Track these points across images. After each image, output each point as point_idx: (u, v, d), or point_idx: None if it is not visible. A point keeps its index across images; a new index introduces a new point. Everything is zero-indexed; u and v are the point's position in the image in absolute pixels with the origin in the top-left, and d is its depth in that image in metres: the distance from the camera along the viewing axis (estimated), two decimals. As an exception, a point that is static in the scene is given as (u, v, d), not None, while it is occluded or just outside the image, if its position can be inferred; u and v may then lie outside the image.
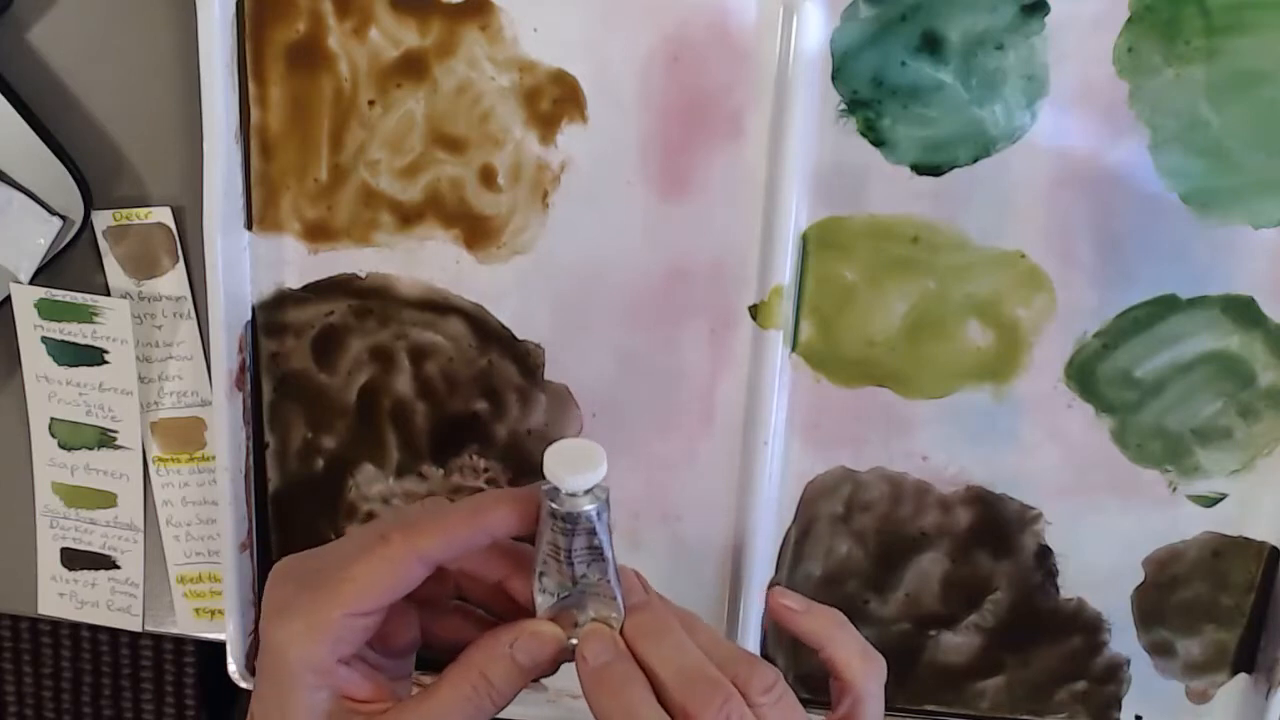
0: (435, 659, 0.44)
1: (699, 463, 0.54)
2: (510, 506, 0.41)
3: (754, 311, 0.51)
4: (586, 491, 0.40)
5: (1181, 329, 0.50)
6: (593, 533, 0.40)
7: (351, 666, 0.41)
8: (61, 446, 0.57)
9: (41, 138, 0.51)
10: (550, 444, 0.41)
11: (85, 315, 0.55)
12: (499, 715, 0.57)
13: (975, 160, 0.49)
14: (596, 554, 0.41)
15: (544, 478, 0.40)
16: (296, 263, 0.53)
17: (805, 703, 0.56)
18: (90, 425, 0.57)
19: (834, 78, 0.48)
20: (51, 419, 0.57)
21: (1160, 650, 0.55)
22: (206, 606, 0.59)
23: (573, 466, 0.40)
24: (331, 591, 0.40)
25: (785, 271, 0.50)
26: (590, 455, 0.40)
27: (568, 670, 0.58)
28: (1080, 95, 0.48)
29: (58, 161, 0.52)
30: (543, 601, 0.42)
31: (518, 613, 0.43)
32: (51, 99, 0.52)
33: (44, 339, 0.55)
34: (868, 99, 0.49)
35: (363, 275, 0.53)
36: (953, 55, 0.48)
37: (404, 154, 0.51)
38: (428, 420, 0.54)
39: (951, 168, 0.49)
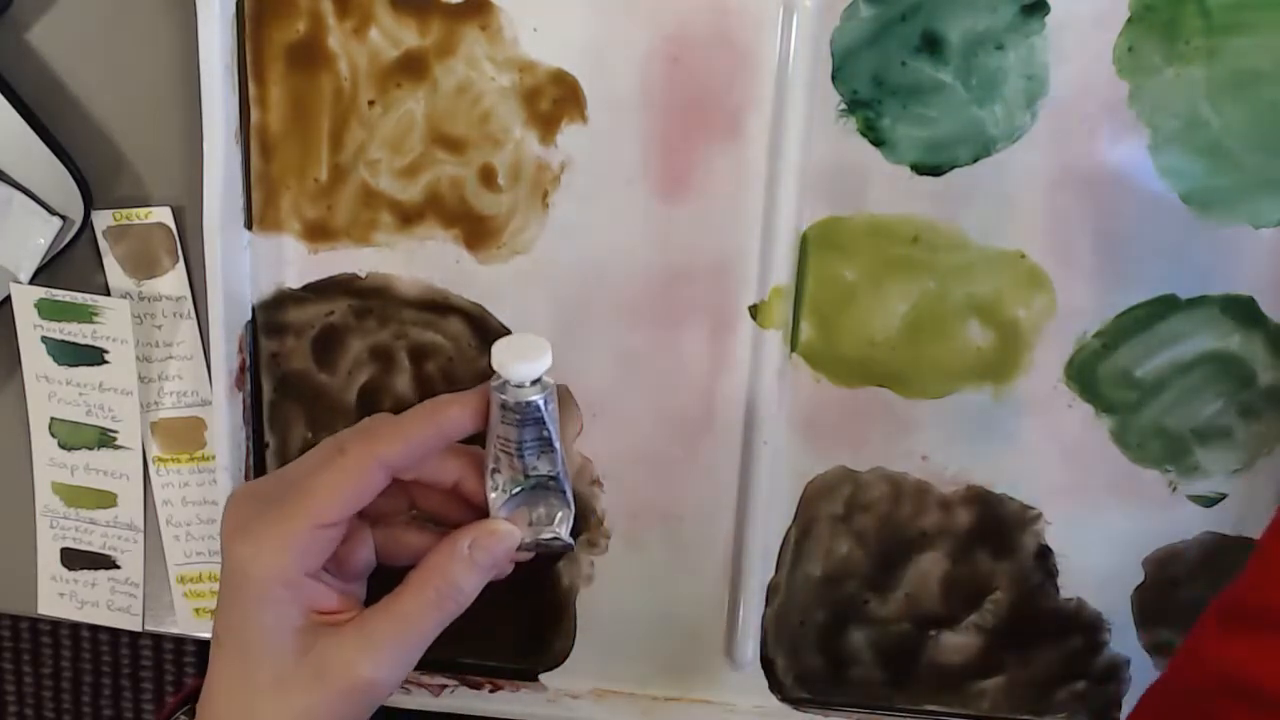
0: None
1: (699, 463, 0.54)
2: (462, 405, 0.42)
3: (754, 311, 0.51)
4: (534, 382, 0.41)
5: (1181, 329, 0.50)
6: (541, 423, 0.41)
7: (316, 579, 0.42)
8: (61, 446, 0.57)
9: (41, 138, 0.51)
10: (497, 339, 0.42)
11: (85, 315, 0.55)
12: (500, 717, 0.57)
13: (975, 160, 0.49)
14: (546, 444, 0.42)
15: (492, 372, 0.41)
16: (296, 263, 0.53)
17: (805, 702, 0.57)
18: (90, 425, 0.57)
19: (834, 78, 0.48)
20: (51, 419, 0.57)
21: (1160, 650, 0.55)
22: (206, 606, 0.59)
23: (519, 356, 0.41)
24: (296, 505, 0.41)
25: (785, 271, 0.50)
26: (536, 346, 0.41)
27: (567, 670, 0.58)
28: (1080, 95, 0.48)
29: (58, 161, 0.52)
30: (496, 499, 0.43)
31: (473, 519, 0.44)
32: (51, 99, 0.52)
33: (44, 339, 0.55)
34: (868, 99, 0.49)
35: (363, 275, 0.53)
36: (953, 55, 0.48)
37: (404, 154, 0.51)
38: (428, 420, 0.54)
39: (951, 168, 0.49)
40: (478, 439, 0.45)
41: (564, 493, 0.44)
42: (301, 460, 0.43)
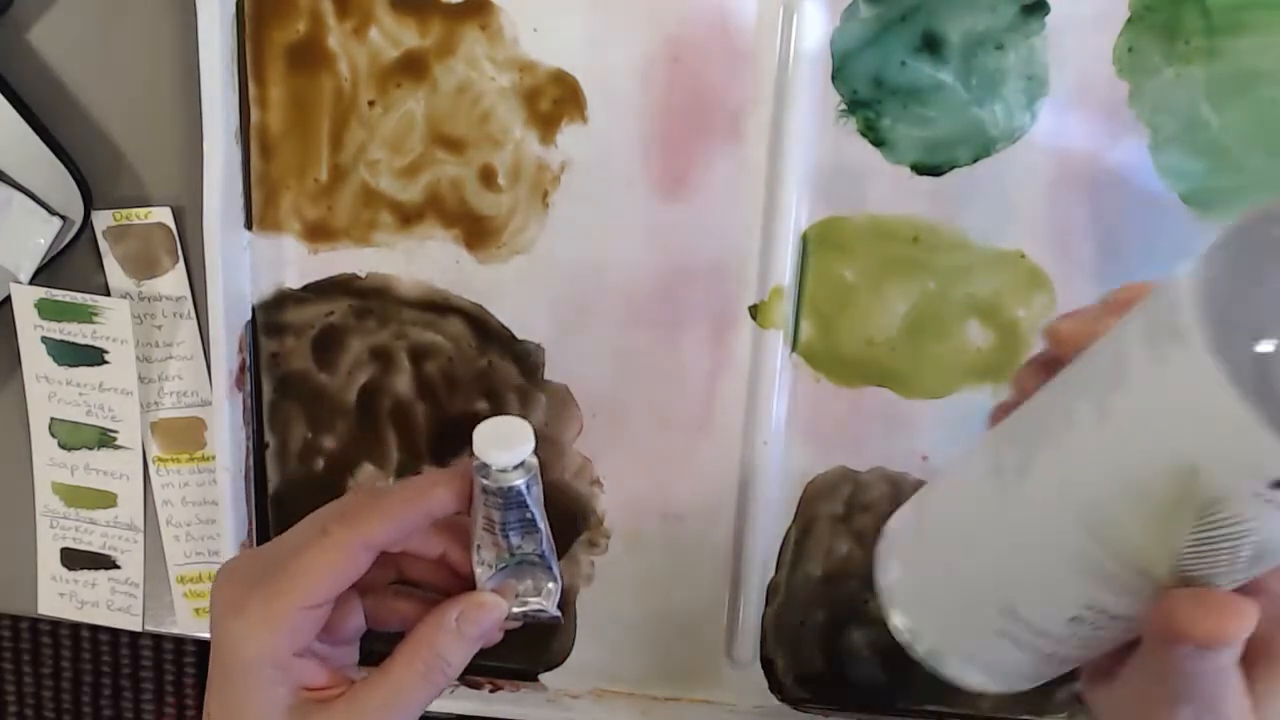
0: (378, 651, 0.44)
1: (699, 463, 0.54)
2: (446, 486, 0.43)
3: (754, 311, 0.51)
4: (516, 466, 0.41)
5: (1181, 329, 0.50)
6: (524, 505, 0.42)
7: (305, 657, 0.42)
8: (61, 446, 0.57)
9: (41, 138, 0.51)
10: (480, 422, 0.42)
11: (85, 315, 0.55)
12: (500, 717, 0.57)
13: (975, 160, 0.49)
14: (529, 525, 0.42)
15: (473, 455, 0.42)
16: (296, 263, 0.53)
17: (805, 702, 0.56)
18: (90, 425, 0.57)
19: (834, 78, 0.48)
20: (51, 419, 0.57)
21: (1160, 650, 0.55)
22: (206, 606, 0.59)
23: (501, 443, 0.41)
24: (283, 586, 0.41)
25: (785, 271, 0.50)
26: (518, 431, 0.42)
27: (567, 670, 0.58)
28: (1080, 95, 0.48)
29: (58, 161, 0.52)
30: (482, 573, 0.44)
31: (460, 587, 0.45)
32: (51, 99, 0.52)
33: (44, 339, 0.55)
34: (868, 99, 0.49)
35: (363, 275, 0.53)
36: (953, 55, 0.48)
37: (404, 154, 0.51)
38: (428, 420, 0.54)
39: (951, 168, 0.49)
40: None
41: (550, 568, 0.44)
42: (286, 538, 0.44)
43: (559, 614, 0.45)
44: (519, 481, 0.41)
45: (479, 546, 0.43)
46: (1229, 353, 0.27)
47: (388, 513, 0.42)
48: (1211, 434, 0.28)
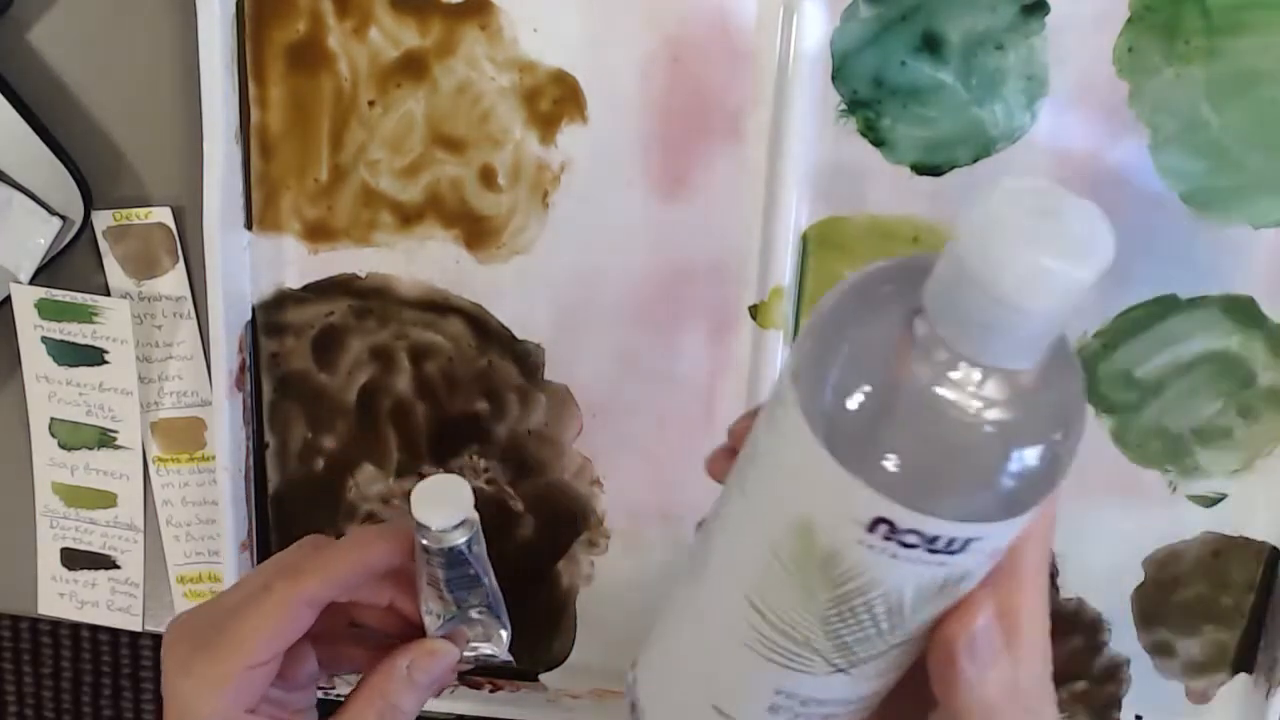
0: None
1: (699, 463, 0.54)
2: (388, 541, 0.43)
3: (754, 311, 0.51)
4: (455, 526, 0.42)
5: (1181, 329, 0.50)
6: (466, 563, 0.42)
7: (257, 712, 0.43)
8: (61, 446, 0.57)
9: (41, 138, 0.51)
10: (418, 482, 0.42)
11: (85, 315, 0.55)
12: (500, 717, 0.57)
13: (975, 160, 0.49)
14: (473, 581, 0.43)
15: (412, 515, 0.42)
16: (296, 263, 0.53)
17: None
18: (90, 425, 0.57)
19: (834, 78, 0.48)
20: (51, 419, 0.57)
21: (1160, 650, 0.55)
22: (206, 606, 0.59)
23: (439, 504, 0.42)
24: (228, 648, 0.42)
25: (785, 271, 0.50)
26: (453, 491, 0.42)
27: (567, 670, 0.58)
28: (1080, 95, 0.48)
29: (58, 161, 0.52)
30: (431, 622, 0.44)
31: (412, 631, 0.45)
32: (51, 99, 0.52)
33: (44, 339, 0.55)
34: (868, 99, 0.49)
35: (363, 275, 0.53)
36: (953, 55, 0.48)
37: (404, 154, 0.51)
38: (428, 420, 0.54)
39: (951, 168, 0.49)
40: None
41: (498, 616, 0.45)
42: (232, 592, 0.44)
43: (510, 658, 0.46)
44: (459, 541, 0.42)
45: (425, 599, 0.44)
46: (812, 407, 0.29)
47: (328, 568, 0.43)
48: (812, 487, 0.30)
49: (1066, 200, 0.28)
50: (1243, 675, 0.56)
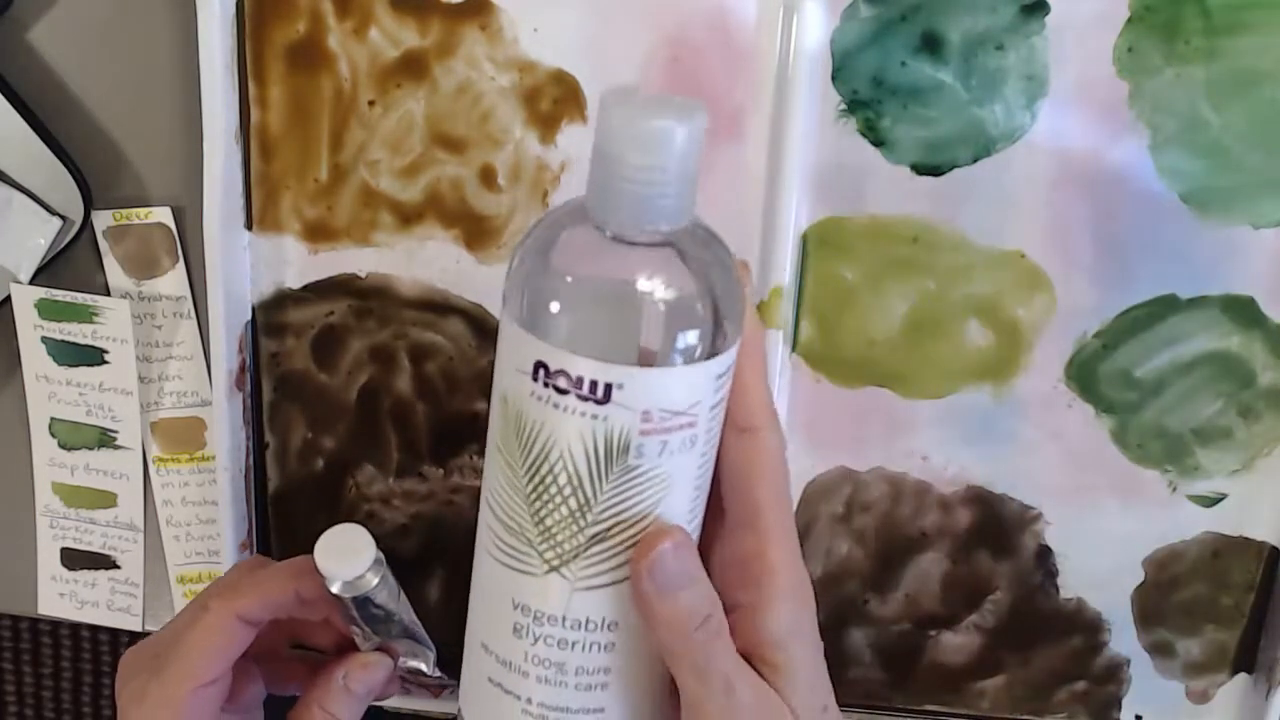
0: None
1: (699, 463, 0.54)
2: (315, 577, 0.44)
3: (754, 311, 0.51)
4: (357, 578, 0.44)
5: (1181, 329, 0.50)
6: (374, 605, 0.44)
7: None
8: (61, 446, 0.57)
9: (41, 138, 0.51)
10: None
11: (85, 315, 0.55)
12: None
13: (975, 160, 0.49)
14: (386, 618, 0.45)
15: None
16: (296, 263, 0.53)
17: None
18: (90, 425, 0.57)
19: (834, 78, 0.48)
20: (51, 419, 0.57)
21: (1160, 650, 0.55)
22: (206, 606, 0.59)
23: (339, 557, 0.44)
24: (174, 671, 0.44)
25: (785, 271, 0.50)
26: (355, 542, 0.44)
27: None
28: (1080, 95, 0.48)
29: (58, 161, 0.52)
30: (360, 643, 0.47)
31: (353, 646, 0.47)
32: (51, 99, 0.52)
33: (44, 339, 0.55)
34: (868, 99, 0.49)
35: (363, 275, 0.53)
36: (953, 55, 0.48)
37: (404, 154, 0.51)
38: (428, 420, 0.54)
39: (951, 168, 0.49)
40: None
41: (420, 641, 0.47)
42: (175, 619, 0.46)
43: (441, 674, 0.48)
44: (363, 591, 0.44)
45: (349, 627, 0.46)
46: (508, 296, 0.35)
47: (260, 588, 0.45)
48: (506, 359, 0.35)
49: (671, 98, 0.35)
50: (1243, 675, 0.56)
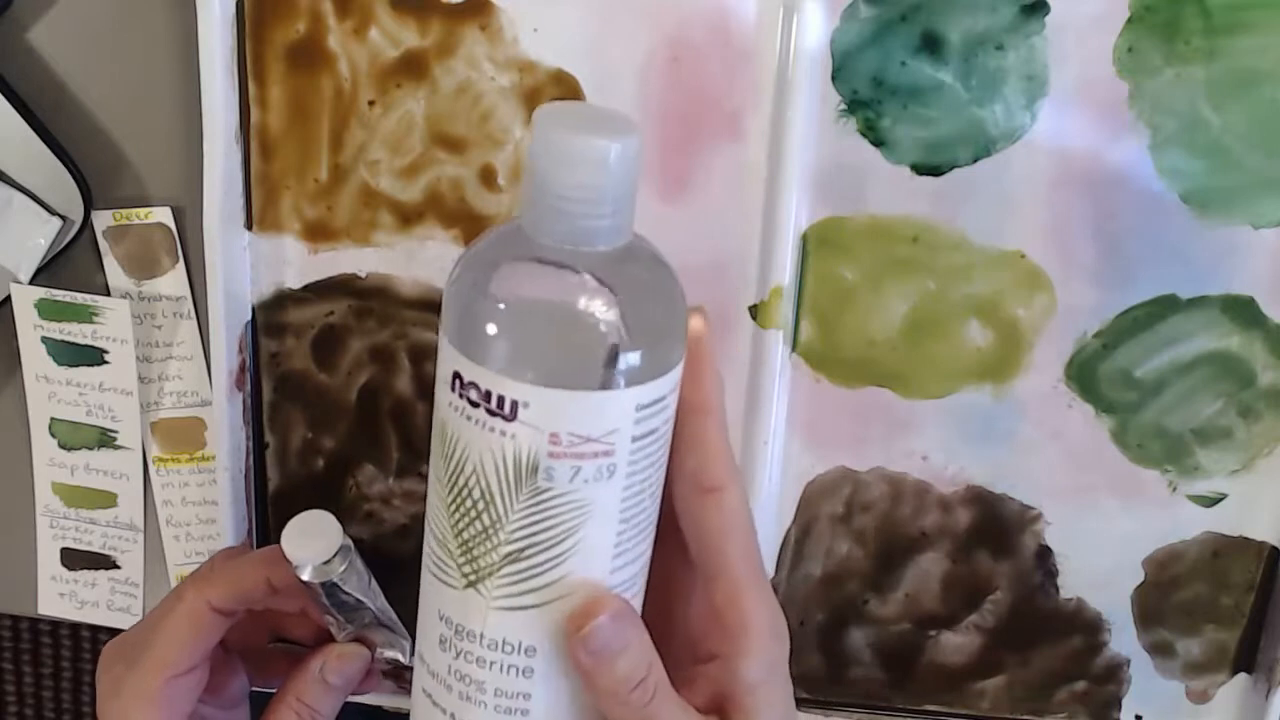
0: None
1: (699, 463, 0.54)
2: (285, 565, 0.45)
3: (754, 311, 0.51)
4: (324, 563, 0.44)
5: (1181, 329, 0.50)
6: (342, 592, 0.44)
7: None
8: (61, 446, 0.57)
9: (41, 138, 0.51)
10: (288, 521, 0.44)
11: (85, 315, 0.55)
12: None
13: (975, 160, 0.49)
14: (355, 606, 0.45)
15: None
16: (296, 263, 0.53)
17: (805, 702, 0.56)
18: (90, 425, 0.57)
19: (834, 78, 0.48)
20: (51, 419, 0.57)
21: (1160, 650, 0.55)
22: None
23: (306, 544, 0.44)
24: (150, 661, 0.44)
25: (785, 271, 0.50)
26: (322, 528, 0.44)
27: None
28: (1080, 95, 0.48)
29: (58, 161, 0.52)
30: (336, 633, 0.47)
31: (332, 639, 0.47)
32: (51, 99, 0.52)
33: (44, 339, 0.55)
34: (868, 99, 0.49)
35: (363, 275, 0.53)
36: (953, 55, 0.48)
37: (404, 154, 0.51)
38: (428, 420, 0.54)
39: (951, 168, 0.49)
40: None
41: (391, 629, 0.47)
42: (154, 610, 0.46)
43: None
44: (330, 576, 0.44)
45: (323, 615, 0.46)
46: (443, 316, 0.35)
47: (232, 576, 0.45)
48: (437, 373, 0.35)
49: (600, 109, 0.34)
50: (1243, 675, 0.56)
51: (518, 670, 0.35)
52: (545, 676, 0.35)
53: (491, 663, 0.35)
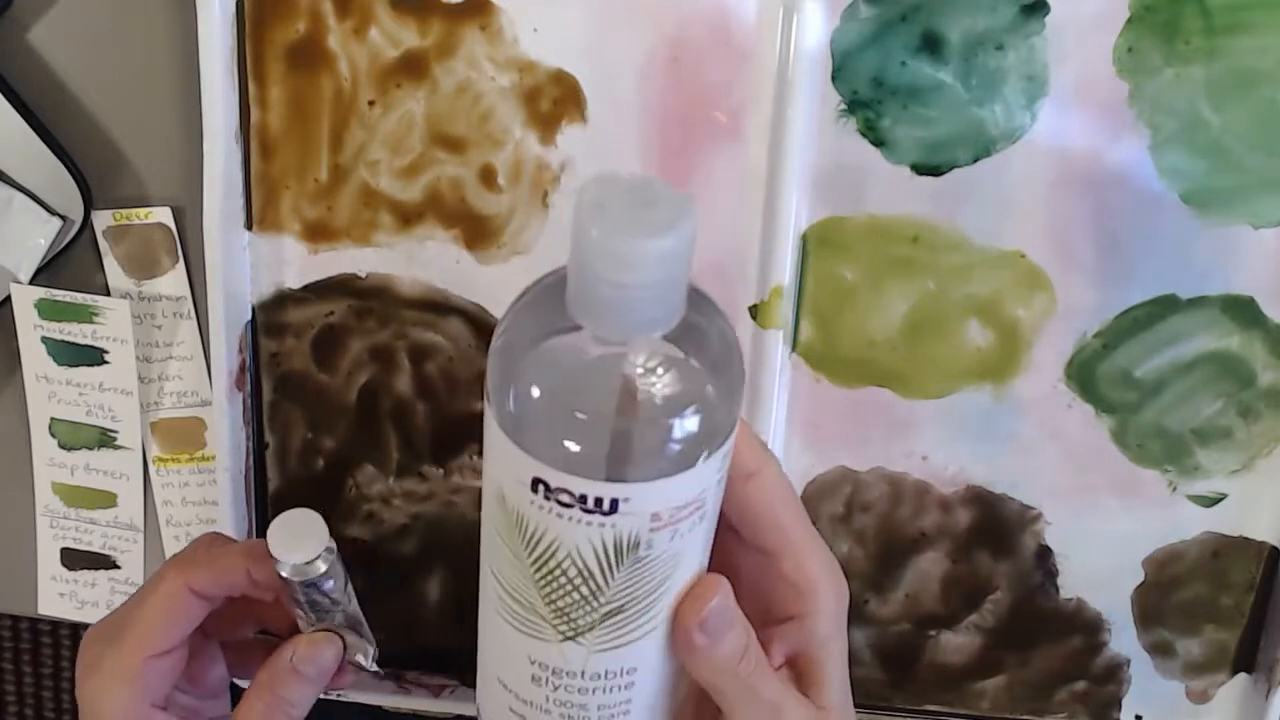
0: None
1: (699, 463, 0.54)
2: (267, 562, 0.44)
3: (754, 311, 0.51)
4: (308, 563, 0.44)
5: (1181, 329, 0.50)
6: (321, 592, 0.44)
7: (169, 711, 0.44)
8: (61, 446, 0.57)
9: (41, 138, 0.51)
10: (275, 518, 0.44)
11: (85, 315, 0.55)
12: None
13: (975, 160, 0.49)
14: (331, 608, 0.45)
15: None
16: (296, 263, 0.53)
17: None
18: (90, 425, 0.57)
19: (834, 78, 0.48)
20: (51, 419, 0.57)
21: (1160, 650, 0.55)
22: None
23: (292, 543, 0.44)
24: (128, 640, 0.43)
25: (785, 271, 0.50)
26: (309, 527, 0.44)
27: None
28: (1080, 95, 0.48)
29: (58, 161, 0.52)
30: (304, 628, 0.46)
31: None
32: (51, 99, 0.52)
33: (44, 339, 0.55)
34: (868, 99, 0.49)
35: (363, 275, 0.53)
36: (953, 55, 0.48)
37: (404, 154, 0.51)
38: (428, 420, 0.54)
39: (951, 168, 0.49)
40: None
41: (362, 635, 0.47)
42: (137, 591, 0.46)
43: (379, 670, 0.48)
44: (312, 576, 0.44)
45: (294, 611, 0.46)
46: (494, 406, 0.34)
47: (214, 564, 0.45)
48: (499, 464, 0.34)
49: (654, 186, 0.33)
50: (1243, 675, 0.56)
51: (620, 686, 0.37)
52: (643, 676, 0.37)
53: (594, 689, 0.36)
